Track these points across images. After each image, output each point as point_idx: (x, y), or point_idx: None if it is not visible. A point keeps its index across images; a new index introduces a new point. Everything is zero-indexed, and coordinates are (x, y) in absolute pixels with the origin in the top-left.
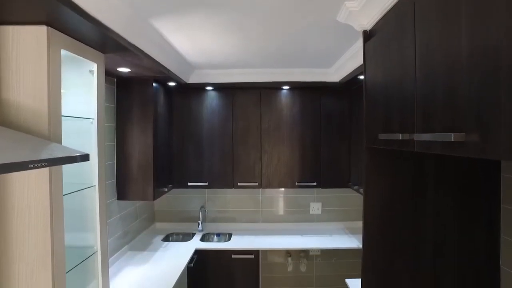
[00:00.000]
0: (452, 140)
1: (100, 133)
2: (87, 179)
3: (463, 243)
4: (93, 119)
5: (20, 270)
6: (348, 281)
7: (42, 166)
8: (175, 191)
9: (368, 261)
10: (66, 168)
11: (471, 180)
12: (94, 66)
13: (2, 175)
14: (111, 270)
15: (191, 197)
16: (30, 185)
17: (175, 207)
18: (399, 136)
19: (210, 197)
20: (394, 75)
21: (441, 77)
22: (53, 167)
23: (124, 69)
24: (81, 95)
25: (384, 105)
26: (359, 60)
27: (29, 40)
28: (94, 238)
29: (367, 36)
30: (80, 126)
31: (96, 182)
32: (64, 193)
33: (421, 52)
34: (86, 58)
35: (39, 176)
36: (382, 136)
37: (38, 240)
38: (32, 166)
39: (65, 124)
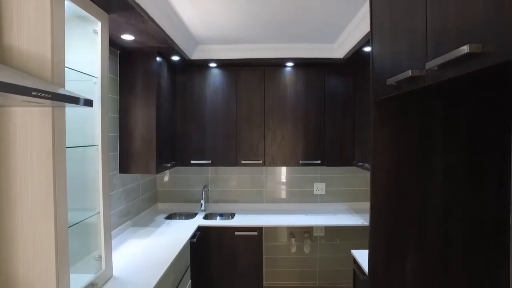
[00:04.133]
0: (468, 51)
1: (103, 92)
2: (90, 139)
3: (471, 203)
4: (97, 78)
5: (23, 217)
6: (354, 252)
7: (45, 98)
8: (178, 171)
9: (376, 219)
10: (69, 125)
11: (481, 138)
12: (98, 25)
13: (5, 123)
14: (113, 242)
15: (193, 178)
16: (33, 132)
17: (177, 187)
18: (409, 73)
19: (213, 177)
20: (403, 14)
21: None
22: (56, 114)
23: (128, 37)
24: (85, 55)
25: (391, 50)
26: (363, 30)
27: None
28: (96, 201)
29: None
30: (84, 88)
31: (99, 141)
32: (67, 146)
33: None
34: (90, 14)
35: (42, 124)
36: (390, 80)
37: (41, 188)
38: (36, 94)
39: (69, 85)
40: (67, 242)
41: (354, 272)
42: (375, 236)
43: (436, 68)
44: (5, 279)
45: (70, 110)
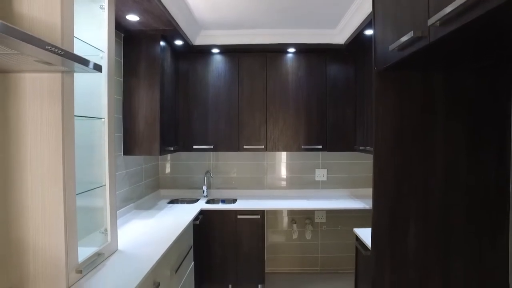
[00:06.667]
0: None
1: (110, 66)
2: (96, 112)
3: (473, 171)
4: (103, 52)
5: (32, 182)
6: (357, 230)
7: (57, 53)
8: (180, 158)
9: (379, 188)
10: (76, 99)
11: (482, 107)
12: (105, 1)
13: (15, 88)
14: (117, 222)
15: (195, 164)
16: (42, 98)
17: (179, 174)
18: (412, 33)
19: (215, 164)
20: None
21: None
22: (65, 80)
23: (133, 17)
24: (92, 32)
25: (393, 18)
26: (364, 12)
27: None
28: (102, 174)
29: None
30: None
31: (105, 114)
32: (75, 115)
33: None
34: None
35: (52, 89)
36: (393, 45)
37: (50, 153)
38: (49, 48)
39: None
40: (75, 208)
41: (356, 249)
42: (378, 206)
43: (438, 23)
44: (16, 243)
45: (77, 84)
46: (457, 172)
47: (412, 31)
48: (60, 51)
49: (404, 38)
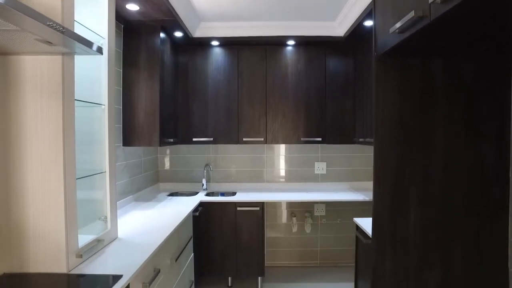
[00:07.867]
0: None
1: (110, 52)
2: (96, 99)
3: (473, 154)
4: (104, 39)
5: (33, 164)
6: (357, 219)
7: (59, 30)
8: (179, 151)
9: (380, 174)
10: (76, 85)
11: (481, 93)
12: None
13: (16, 71)
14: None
15: (195, 158)
16: (43, 81)
17: (179, 167)
18: (413, 13)
19: (214, 157)
20: None
21: None
22: (65, 63)
23: (132, 6)
24: (92, 20)
25: (393, 2)
26: (364, 3)
27: None
28: (102, 161)
29: None
30: None
31: (105, 101)
32: (75, 98)
33: None
34: None
35: (52, 71)
36: (393, 28)
37: (50, 135)
38: (50, 24)
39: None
40: (75, 192)
41: (357, 239)
42: (379, 192)
43: (439, 0)
44: (16, 227)
45: (77, 71)
46: (457, 159)
47: (413, 11)
48: (61, 28)
49: (405, 19)
